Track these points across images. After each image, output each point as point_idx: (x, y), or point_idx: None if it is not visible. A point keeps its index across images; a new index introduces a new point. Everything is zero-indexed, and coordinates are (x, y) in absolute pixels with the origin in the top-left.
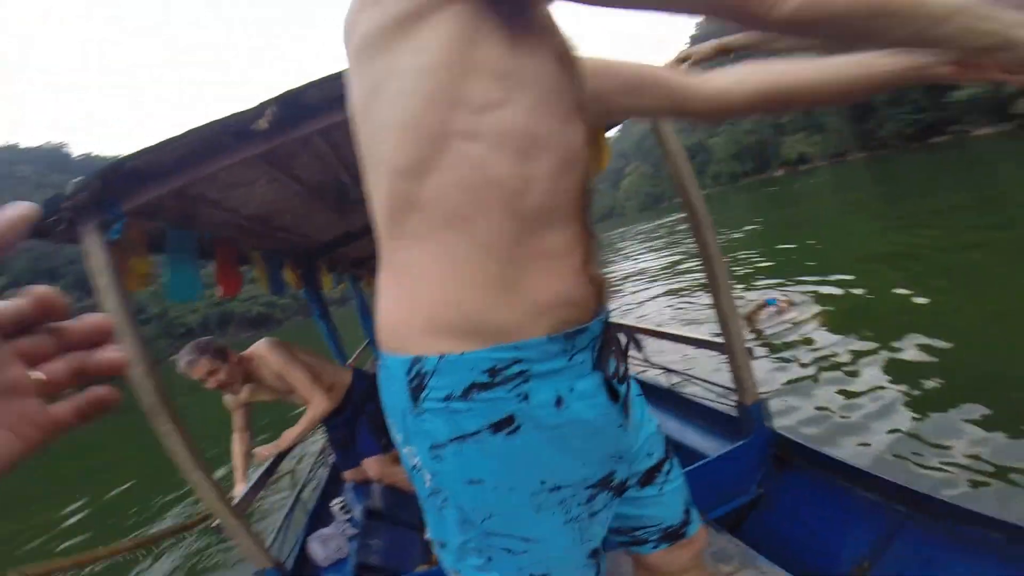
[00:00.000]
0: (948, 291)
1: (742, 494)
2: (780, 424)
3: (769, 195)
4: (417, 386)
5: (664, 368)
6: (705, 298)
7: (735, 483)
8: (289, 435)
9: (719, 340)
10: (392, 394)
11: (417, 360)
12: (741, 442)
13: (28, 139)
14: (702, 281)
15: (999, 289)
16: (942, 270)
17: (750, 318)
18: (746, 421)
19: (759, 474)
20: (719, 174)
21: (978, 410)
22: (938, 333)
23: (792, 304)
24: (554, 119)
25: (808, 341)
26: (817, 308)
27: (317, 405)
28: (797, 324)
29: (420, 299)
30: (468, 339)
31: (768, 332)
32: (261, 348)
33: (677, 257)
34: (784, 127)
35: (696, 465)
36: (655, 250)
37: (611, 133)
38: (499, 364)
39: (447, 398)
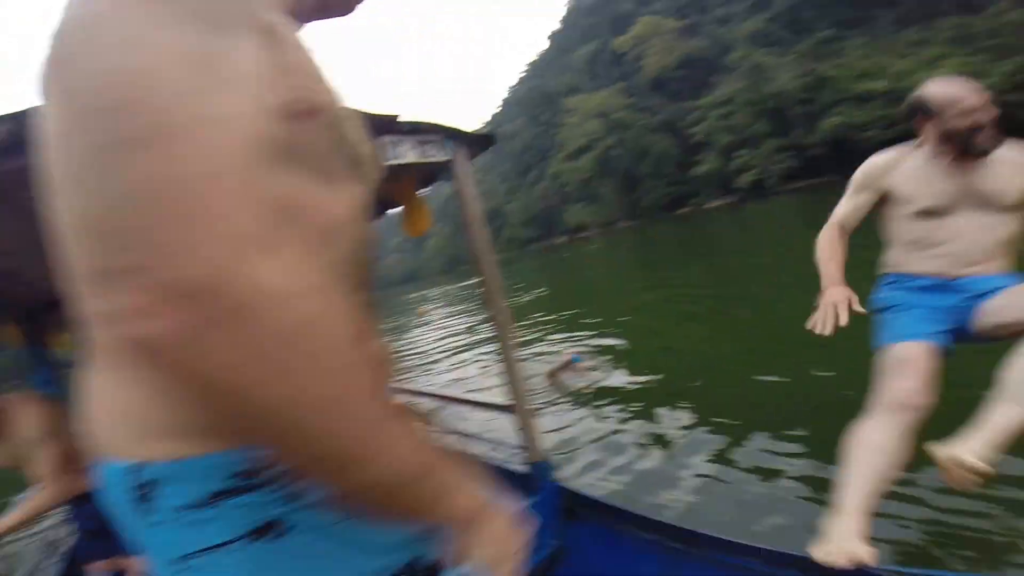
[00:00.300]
0: (706, 344)
1: (540, 548)
2: (582, 476)
3: (554, 260)
4: (145, 496)
5: (456, 431)
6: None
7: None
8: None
9: (507, 403)
10: (116, 505)
11: (142, 466)
12: (531, 499)
13: None
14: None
15: (733, 334)
16: (701, 327)
17: (555, 374)
18: (535, 479)
19: (553, 528)
20: (512, 238)
21: (749, 441)
22: (708, 379)
23: (592, 360)
24: (308, 181)
25: (602, 393)
26: (600, 363)
27: (49, 493)
28: (595, 379)
29: (142, 390)
30: (207, 438)
31: (575, 387)
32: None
33: (475, 320)
34: (568, 196)
35: None
36: (456, 314)
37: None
38: (254, 464)
39: (186, 507)
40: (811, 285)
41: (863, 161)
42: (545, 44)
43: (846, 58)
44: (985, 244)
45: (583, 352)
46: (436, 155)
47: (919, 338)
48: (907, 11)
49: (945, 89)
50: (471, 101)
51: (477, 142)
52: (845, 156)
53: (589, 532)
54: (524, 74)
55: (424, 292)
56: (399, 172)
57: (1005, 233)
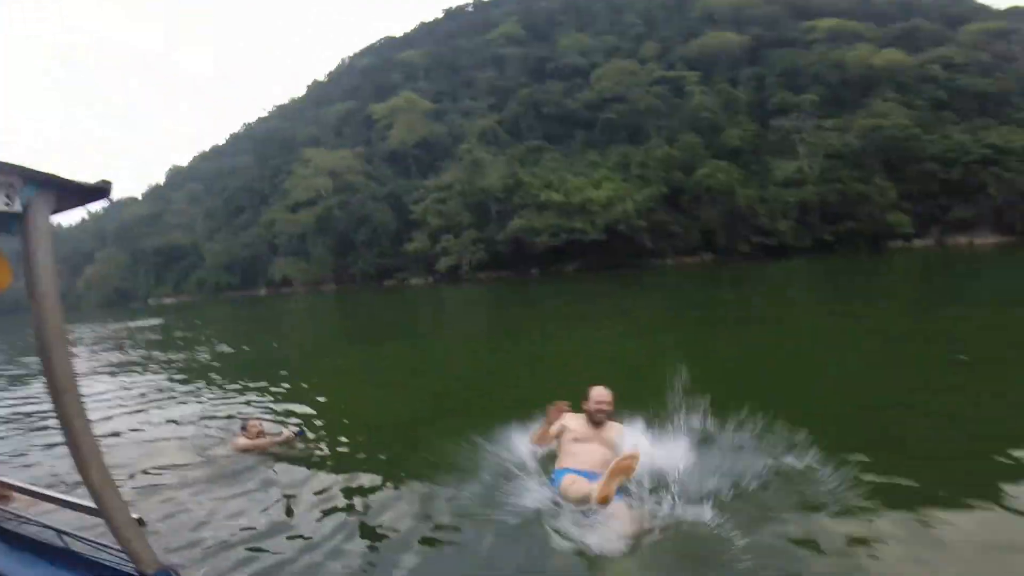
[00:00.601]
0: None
1: None
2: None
3: (254, 313)
4: None
5: (55, 529)
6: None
7: None
8: None
9: (91, 506)
10: None
11: None
12: None
13: None
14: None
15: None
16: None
17: (236, 447)
18: None
19: None
20: (204, 281)
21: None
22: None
23: (261, 427)
24: None
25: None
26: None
27: None
28: (292, 447)
29: None
30: None
31: (254, 460)
32: None
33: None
34: (277, 247)
35: None
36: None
37: (95, 207)
38: None
39: None
40: (480, 361)
41: (532, 261)
42: (300, 92)
43: (540, 167)
44: (604, 457)
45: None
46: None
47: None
48: (595, 135)
49: (599, 392)
50: (186, 129)
51: (76, 193)
52: (521, 255)
53: None
54: (268, 114)
55: (71, 327)
56: None
57: (609, 454)
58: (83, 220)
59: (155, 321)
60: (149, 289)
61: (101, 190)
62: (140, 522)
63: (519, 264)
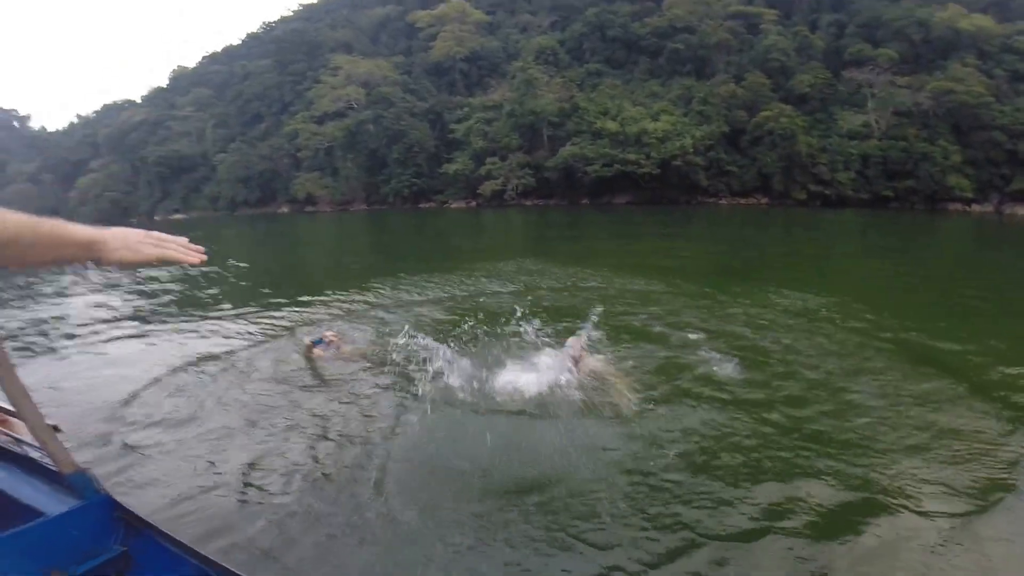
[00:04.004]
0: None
1: (101, 552)
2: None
3: (275, 230)
4: None
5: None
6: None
7: (87, 542)
8: None
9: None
10: None
11: None
12: (75, 505)
13: None
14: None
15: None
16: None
17: (308, 357)
18: (75, 488)
19: (113, 534)
20: (217, 197)
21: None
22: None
23: (341, 336)
24: None
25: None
26: (358, 345)
27: None
28: (357, 358)
29: None
30: None
31: (331, 370)
32: None
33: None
34: (300, 162)
35: (36, 523)
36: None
37: (86, 112)
38: None
39: None
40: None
41: (583, 191)
42: None
43: (599, 93)
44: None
45: (331, 332)
46: None
47: None
48: (659, 65)
49: (574, 343)
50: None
51: None
52: (571, 184)
53: (151, 548)
54: (290, 14)
55: None
56: None
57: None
58: (71, 124)
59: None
60: (154, 204)
61: None
62: (55, 428)
63: (568, 193)
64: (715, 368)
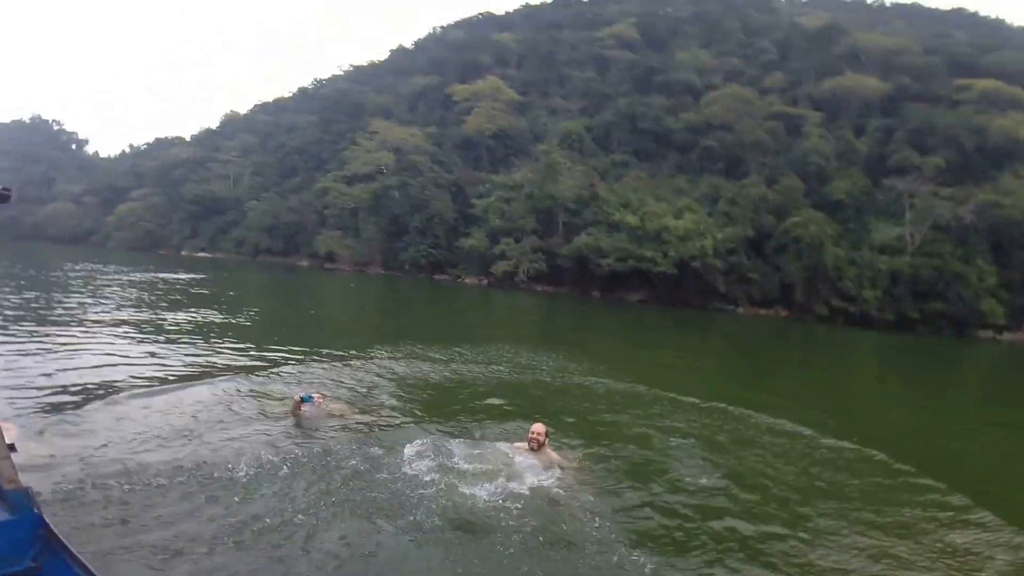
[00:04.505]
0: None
1: (13, 564)
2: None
3: (296, 283)
4: None
5: None
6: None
7: (5, 553)
8: None
9: None
10: None
11: None
12: (6, 519)
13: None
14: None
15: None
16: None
17: (294, 413)
18: (11, 503)
19: (30, 549)
20: (243, 241)
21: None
22: None
23: (327, 397)
24: None
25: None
26: (343, 405)
27: None
28: (340, 416)
29: None
30: None
31: (311, 425)
32: None
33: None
34: (325, 219)
35: None
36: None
37: (138, 142)
38: None
39: None
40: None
41: (595, 283)
42: (383, 55)
43: (622, 184)
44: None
45: (319, 392)
46: None
47: None
48: (689, 161)
49: (537, 426)
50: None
51: None
52: (583, 274)
53: (62, 568)
54: (340, 74)
55: (100, 265)
56: None
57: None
58: (123, 153)
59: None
60: (183, 239)
61: (3, 196)
62: (11, 447)
63: (579, 282)
64: (684, 474)
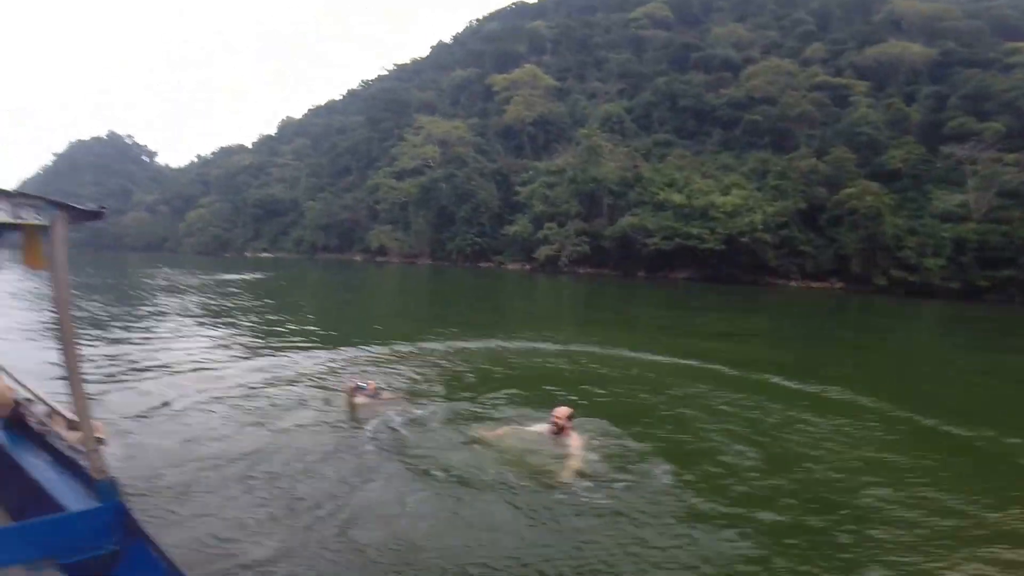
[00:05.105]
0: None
1: (97, 548)
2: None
3: (350, 276)
4: None
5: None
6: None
7: (88, 539)
8: None
9: (72, 420)
10: None
11: None
12: (93, 506)
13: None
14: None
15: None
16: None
17: (349, 403)
18: (100, 491)
19: (115, 534)
20: (301, 240)
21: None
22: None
23: (380, 387)
24: None
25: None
26: (394, 392)
27: None
28: (391, 403)
29: None
30: None
31: (367, 413)
32: None
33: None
34: (377, 214)
35: (48, 518)
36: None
37: (205, 152)
38: None
39: None
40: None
41: (640, 263)
42: (423, 52)
43: (666, 164)
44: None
45: (371, 380)
46: (31, 218)
47: None
48: (734, 136)
49: (559, 409)
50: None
51: (81, 214)
52: (627, 255)
53: (139, 554)
54: (385, 73)
55: (173, 270)
56: None
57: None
58: (190, 163)
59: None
60: (247, 241)
61: (99, 213)
62: (100, 440)
63: (623, 263)
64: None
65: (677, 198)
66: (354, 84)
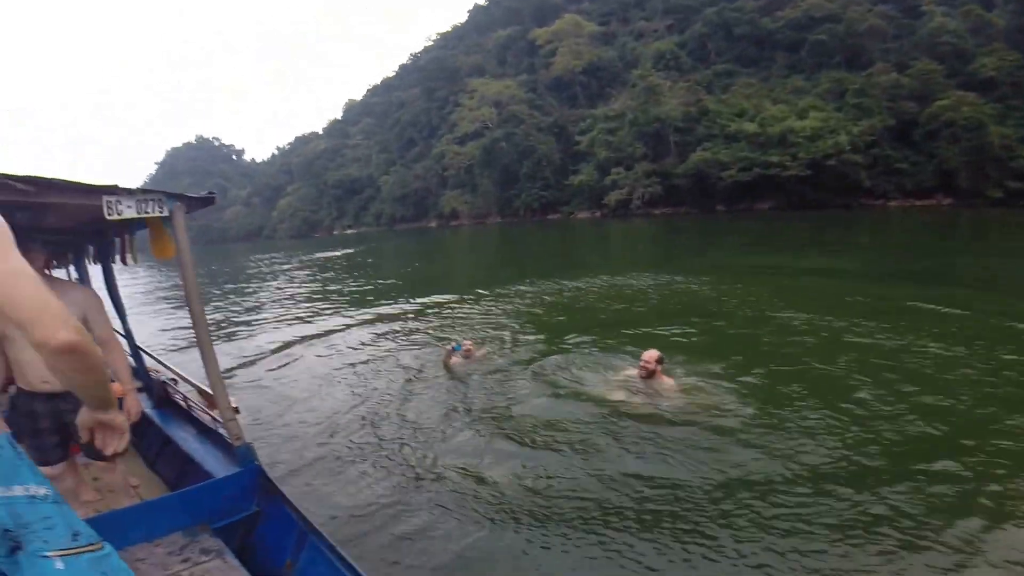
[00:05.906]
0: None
1: (242, 510)
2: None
3: (425, 243)
4: None
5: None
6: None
7: (233, 501)
8: None
9: (209, 394)
10: None
11: None
12: (235, 471)
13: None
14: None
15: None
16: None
17: (446, 364)
18: (239, 457)
19: (255, 496)
20: (381, 214)
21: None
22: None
23: (477, 344)
24: None
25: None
26: (486, 348)
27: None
28: (487, 361)
29: None
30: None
31: (463, 372)
32: None
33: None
34: (446, 180)
35: (202, 484)
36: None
37: (283, 143)
38: None
39: None
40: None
41: (717, 197)
42: (462, 18)
43: (732, 94)
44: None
45: (466, 340)
46: (155, 211)
47: None
48: (801, 58)
49: (648, 353)
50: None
51: (195, 202)
52: (703, 191)
53: (277, 511)
54: (431, 43)
55: (271, 255)
56: (123, 222)
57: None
58: (273, 156)
59: (345, 250)
60: (333, 221)
61: (210, 199)
62: (236, 410)
63: (700, 200)
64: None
65: (750, 127)
66: (398, 64)
